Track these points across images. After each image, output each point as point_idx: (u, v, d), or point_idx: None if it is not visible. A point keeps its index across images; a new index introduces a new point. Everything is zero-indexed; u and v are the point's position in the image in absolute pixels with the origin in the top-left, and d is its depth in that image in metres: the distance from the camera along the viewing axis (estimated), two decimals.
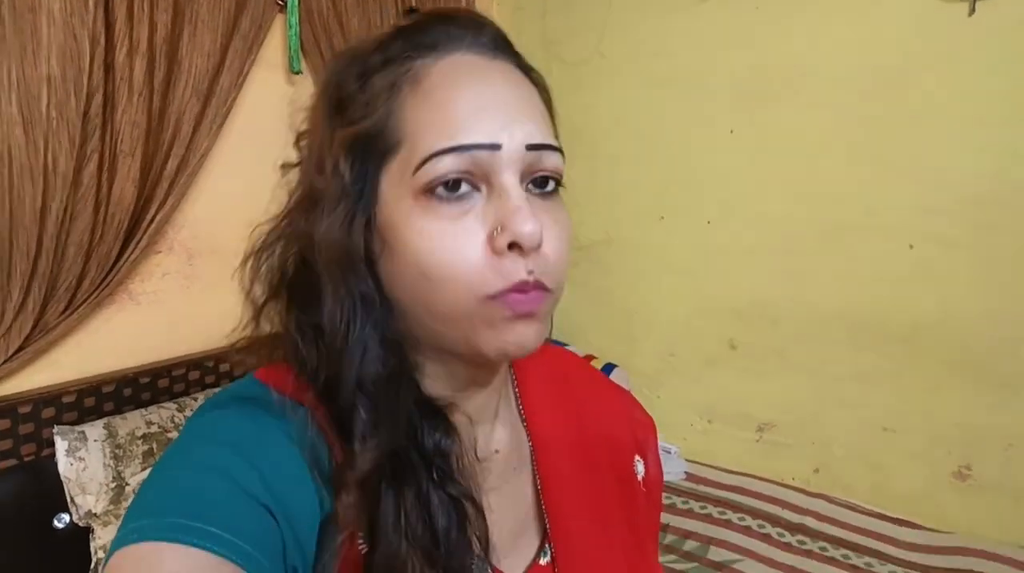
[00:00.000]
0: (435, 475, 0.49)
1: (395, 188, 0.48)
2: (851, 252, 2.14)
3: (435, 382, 0.54)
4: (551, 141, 0.49)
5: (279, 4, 2.08)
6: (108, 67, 1.62)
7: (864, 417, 2.15)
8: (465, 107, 0.46)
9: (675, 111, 2.45)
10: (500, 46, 0.51)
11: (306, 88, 2.20)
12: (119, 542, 0.40)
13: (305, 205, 0.51)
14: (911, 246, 2.02)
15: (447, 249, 0.46)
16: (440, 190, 0.46)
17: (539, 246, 0.46)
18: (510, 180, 0.47)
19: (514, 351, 0.48)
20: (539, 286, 0.47)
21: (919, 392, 2.05)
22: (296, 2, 2.09)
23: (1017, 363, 1.89)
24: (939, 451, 2.03)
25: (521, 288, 0.46)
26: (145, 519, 0.41)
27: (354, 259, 0.48)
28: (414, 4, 0.58)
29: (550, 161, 0.49)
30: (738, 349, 2.41)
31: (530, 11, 2.72)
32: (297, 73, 2.16)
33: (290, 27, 2.10)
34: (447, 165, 0.45)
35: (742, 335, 2.40)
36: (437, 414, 0.51)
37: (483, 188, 0.47)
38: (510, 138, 0.46)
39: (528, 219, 0.45)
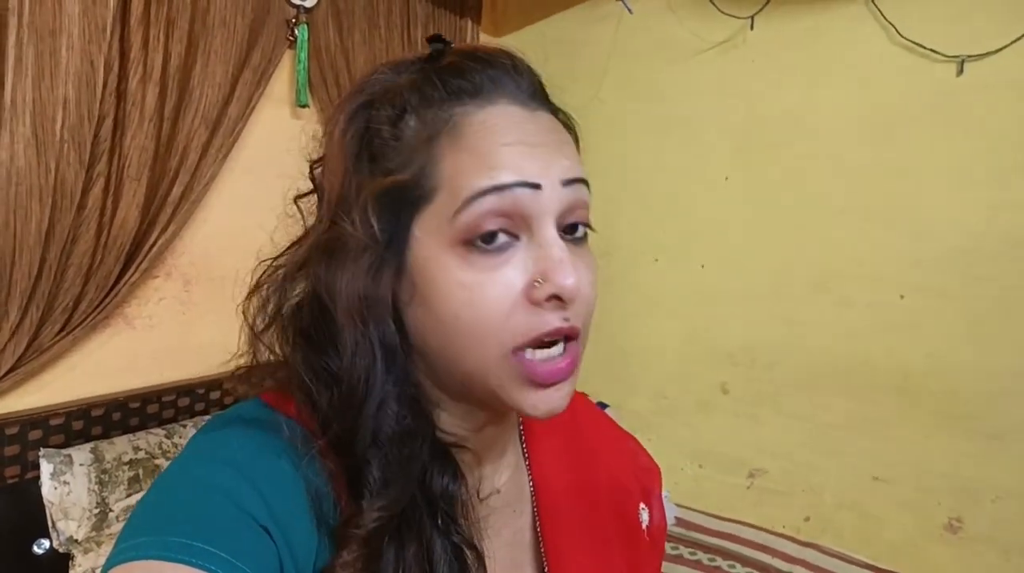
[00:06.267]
0: (439, 520, 0.48)
1: (431, 236, 0.46)
2: (843, 300, 2.16)
3: (450, 420, 0.53)
4: (583, 175, 0.49)
5: (289, 40, 2.13)
6: (121, 93, 1.65)
7: (855, 466, 2.15)
8: (504, 150, 0.45)
9: (672, 157, 2.50)
10: (538, 94, 0.50)
11: (312, 122, 2.25)
12: (117, 558, 0.40)
13: (325, 249, 0.48)
14: (902, 296, 2.05)
15: (484, 299, 0.45)
16: (479, 241, 0.45)
17: (577, 298, 0.46)
18: (549, 229, 0.46)
19: (545, 416, 0.49)
20: (573, 333, 0.48)
21: (909, 442, 2.06)
22: (306, 38, 2.14)
23: (1006, 415, 1.90)
24: (929, 502, 2.02)
25: (555, 334, 0.47)
26: (145, 536, 0.40)
27: (379, 309, 0.47)
28: (436, 34, 0.54)
29: (581, 197, 0.49)
30: (730, 394, 2.42)
31: (532, 55, 2.75)
32: (303, 106, 2.20)
33: (299, 62, 2.15)
34: (488, 205, 0.44)
35: (734, 380, 2.41)
36: (446, 457, 0.50)
37: (522, 237, 0.46)
38: (548, 177, 0.46)
39: (570, 272, 0.45)
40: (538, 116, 0.49)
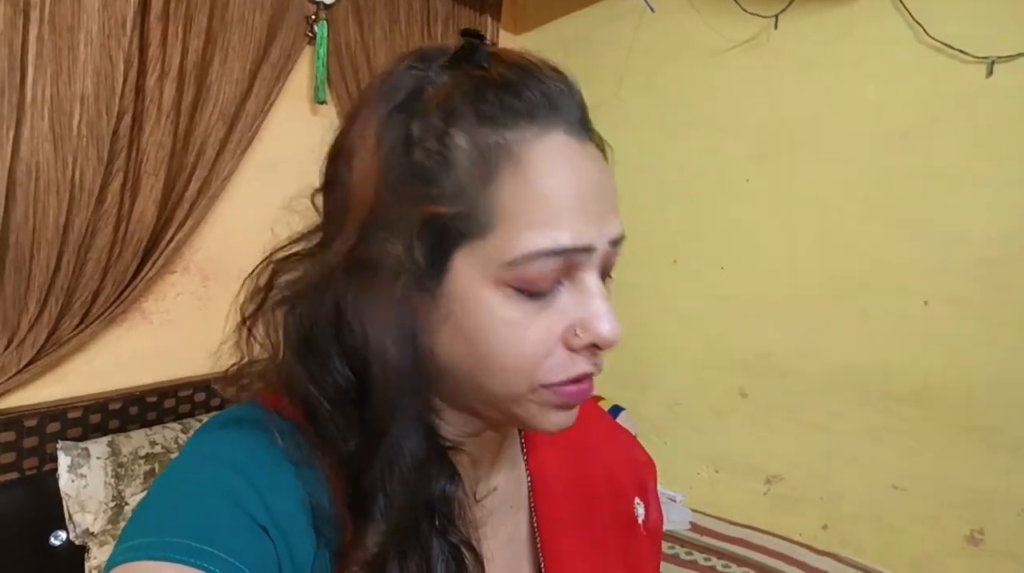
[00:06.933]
0: (437, 522, 0.48)
1: (475, 269, 0.44)
2: (863, 307, 2.12)
3: (448, 425, 0.52)
4: (623, 230, 0.48)
5: (308, 36, 2.13)
6: (139, 89, 1.66)
7: (874, 475, 2.12)
8: (565, 205, 0.44)
9: (692, 157, 2.47)
10: (586, 121, 0.48)
11: (331, 118, 2.25)
12: (117, 559, 0.40)
13: (354, 269, 0.45)
14: (925, 303, 2.01)
15: (525, 341, 0.44)
16: (526, 286, 0.44)
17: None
18: (592, 279, 0.46)
19: (556, 431, 0.49)
20: (598, 372, 0.48)
21: (930, 452, 2.02)
22: (325, 35, 2.14)
23: None
24: (950, 513, 1.98)
25: (585, 379, 0.47)
26: (144, 537, 0.40)
27: (410, 335, 0.45)
28: (471, 28, 0.50)
29: (619, 248, 0.48)
30: (747, 399, 2.39)
31: (552, 53, 2.75)
32: (322, 103, 2.20)
33: (318, 58, 2.15)
34: (545, 264, 0.44)
35: (751, 385, 2.38)
36: (443, 458, 0.50)
37: (564, 282, 0.46)
38: (600, 237, 0.45)
39: (612, 323, 0.45)
40: (588, 150, 0.47)
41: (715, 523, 2.27)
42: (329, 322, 0.47)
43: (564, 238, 0.43)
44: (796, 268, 2.25)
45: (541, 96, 0.45)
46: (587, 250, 0.44)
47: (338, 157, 0.48)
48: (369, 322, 0.45)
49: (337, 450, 0.46)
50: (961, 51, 1.91)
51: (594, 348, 0.46)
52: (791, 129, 2.24)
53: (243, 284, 0.51)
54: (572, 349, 0.46)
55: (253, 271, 0.51)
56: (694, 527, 2.25)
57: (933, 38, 1.95)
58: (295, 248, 0.51)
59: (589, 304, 0.45)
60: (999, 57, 1.86)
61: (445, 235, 0.44)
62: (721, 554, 2.07)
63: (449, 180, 0.43)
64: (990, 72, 1.88)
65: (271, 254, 0.51)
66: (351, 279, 0.46)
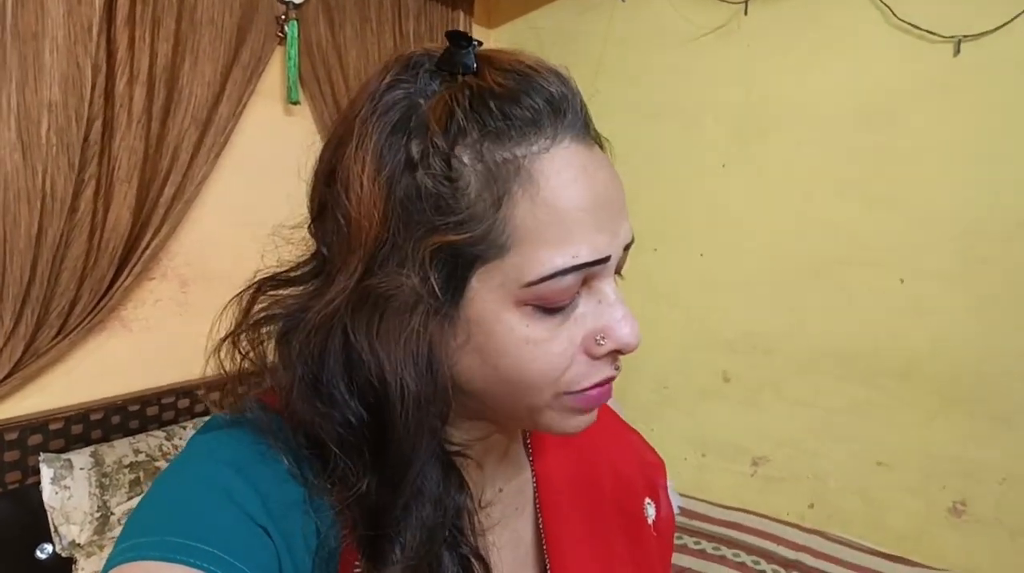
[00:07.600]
0: (447, 533, 0.47)
1: (492, 291, 0.43)
2: (843, 285, 2.15)
3: (457, 431, 0.52)
4: (633, 233, 0.48)
5: (279, 36, 2.11)
6: (108, 94, 1.64)
7: (858, 451, 2.15)
8: (582, 219, 0.43)
9: (668, 145, 2.49)
10: (589, 120, 0.47)
11: (305, 118, 2.24)
12: (116, 559, 0.39)
13: (364, 303, 0.43)
14: (902, 280, 2.04)
15: (549, 355, 0.44)
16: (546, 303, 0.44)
17: None
18: (609, 286, 0.46)
19: (574, 433, 0.49)
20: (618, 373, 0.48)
21: (913, 426, 2.05)
22: (296, 35, 2.12)
23: (1010, 397, 1.89)
24: (934, 486, 2.02)
25: (607, 382, 0.47)
26: (144, 537, 0.40)
27: (430, 363, 0.44)
28: (457, 31, 0.46)
29: (630, 247, 0.48)
30: (731, 382, 2.41)
31: (528, 46, 2.76)
32: (295, 103, 2.18)
33: (289, 59, 2.13)
34: (565, 282, 0.43)
35: (735, 368, 2.40)
36: (452, 469, 0.49)
37: (581, 291, 0.45)
38: (615, 245, 0.45)
39: (633, 327, 0.45)
40: (596, 154, 0.46)
41: (704, 507, 2.29)
42: (336, 357, 0.45)
43: (583, 253, 0.42)
44: (775, 249, 2.27)
45: (544, 103, 0.43)
46: (605, 261, 0.44)
47: (330, 183, 0.45)
48: (384, 355, 0.43)
49: (347, 487, 0.45)
50: (928, 31, 1.94)
51: (615, 353, 0.46)
52: (765, 113, 2.26)
53: (228, 308, 0.49)
54: (593, 356, 0.45)
55: (239, 294, 0.49)
56: (683, 512, 2.26)
57: (900, 19, 1.97)
58: (290, 275, 0.49)
59: (608, 311, 0.45)
60: (965, 36, 1.88)
61: (460, 260, 0.42)
62: (711, 537, 2.09)
63: (460, 205, 0.41)
64: (957, 51, 1.91)
65: (261, 282, 0.49)
66: (360, 312, 0.44)
